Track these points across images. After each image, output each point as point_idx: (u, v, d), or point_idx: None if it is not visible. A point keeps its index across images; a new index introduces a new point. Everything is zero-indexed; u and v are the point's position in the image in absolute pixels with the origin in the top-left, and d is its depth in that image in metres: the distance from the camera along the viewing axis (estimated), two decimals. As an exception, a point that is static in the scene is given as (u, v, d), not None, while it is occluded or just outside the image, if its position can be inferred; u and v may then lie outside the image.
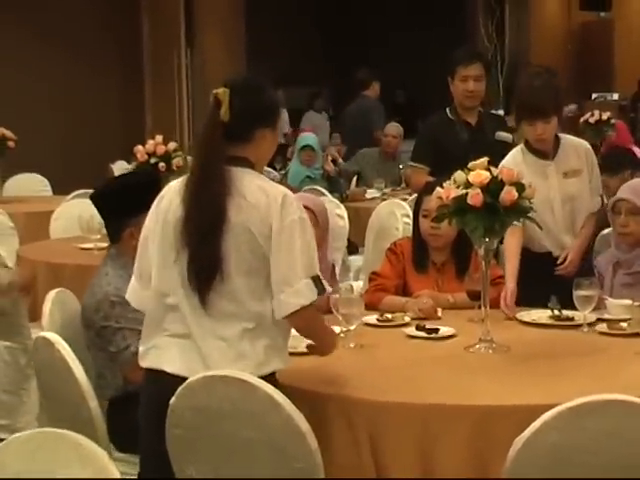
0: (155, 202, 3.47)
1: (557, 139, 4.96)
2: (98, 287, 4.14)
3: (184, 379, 3.17)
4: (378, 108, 11.76)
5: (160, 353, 3.36)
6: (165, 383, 3.26)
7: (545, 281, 4.72)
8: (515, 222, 4.35)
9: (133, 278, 3.51)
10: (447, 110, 6.18)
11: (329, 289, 3.36)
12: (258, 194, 3.29)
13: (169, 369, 3.29)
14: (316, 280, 3.28)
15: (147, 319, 3.44)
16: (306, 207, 4.73)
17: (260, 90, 3.52)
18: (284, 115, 14.45)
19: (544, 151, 4.96)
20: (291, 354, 3.66)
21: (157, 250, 3.39)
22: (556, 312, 4.39)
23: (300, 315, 3.27)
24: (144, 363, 3.41)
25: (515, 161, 4.88)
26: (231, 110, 3.33)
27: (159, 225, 3.39)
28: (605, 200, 5.17)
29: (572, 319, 4.34)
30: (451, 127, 6.12)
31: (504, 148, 5.31)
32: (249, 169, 3.37)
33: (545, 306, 4.43)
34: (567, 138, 5.07)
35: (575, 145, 5.04)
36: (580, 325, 4.26)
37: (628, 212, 4.69)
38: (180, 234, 3.29)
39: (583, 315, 4.24)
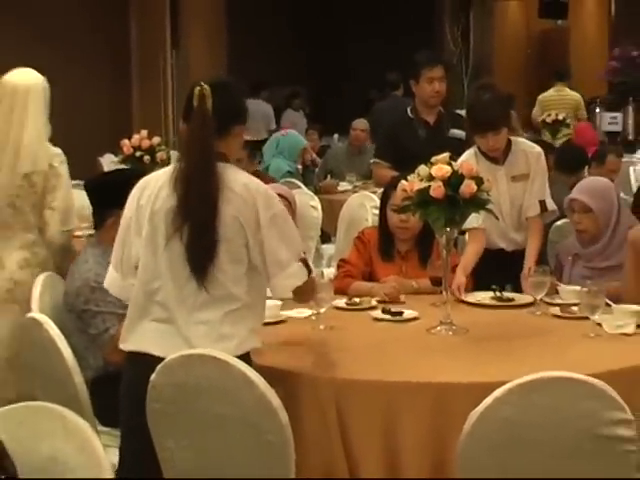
0: (134, 194, 3.44)
1: (509, 144, 4.98)
2: (78, 273, 4.14)
3: (163, 359, 3.17)
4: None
5: (144, 337, 3.35)
6: (149, 365, 3.25)
7: (499, 273, 4.77)
8: (476, 225, 4.45)
9: (111, 267, 3.49)
10: (408, 109, 6.21)
11: (314, 270, 3.44)
12: (243, 188, 3.32)
13: (155, 352, 3.28)
14: (304, 262, 3.39)
15: (131, 305, 3.42)
16: (282, 196, 4.78)
17: (235, 90, 3.56)
18: (271, 112, 14.44)
19: (495, 157, 4.98)
20: (266, 324, 3.72)
21: (145, 239, 3.37)
22: (497, 294, 4.51)
23: (294, 291, 3.44)
24: (128, 347, 3.39)
25: (469, 162, 4.80)
26: (212, 106, 3.34)
27: (145, 215, 3.36)
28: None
29: (512, 300, 4.48)
30: (410, 126, 6.16)
31: (458, 145, 5.31)
32: (228, 164, 3.38)
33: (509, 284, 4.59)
34: (519, 143, 5.08)
35: (526, 150, 5.03)
36: (527, 306, 4.36)
37: (581, 210, 4.70)
38: (172, 223, 3.29)
39: (524, 297, 4.44)
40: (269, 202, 3.36)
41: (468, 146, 5.10)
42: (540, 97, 13.25)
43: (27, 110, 4.75)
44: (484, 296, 4.53)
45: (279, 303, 4.06)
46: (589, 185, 4.91)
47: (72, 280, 4.16)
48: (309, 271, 3.43)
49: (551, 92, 13.18)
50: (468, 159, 4.85)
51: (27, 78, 4.83)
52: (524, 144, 5.11)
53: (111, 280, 3.51)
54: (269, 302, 3.90)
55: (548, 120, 12.12)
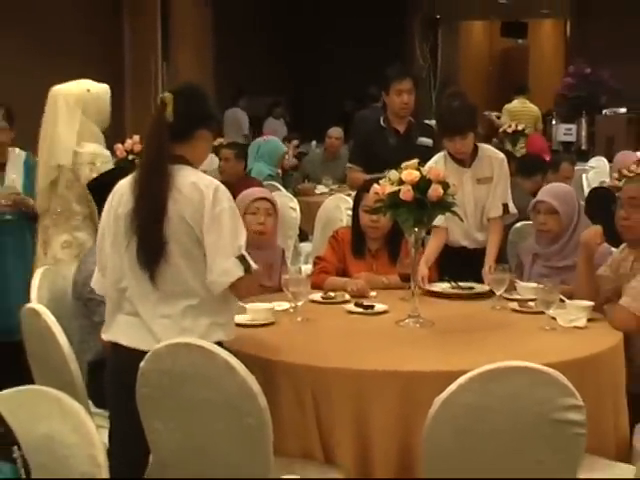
0: (109, 199, 3.43)
1: (476, 149, 5.02)
2: (84, 265, 4.13)
3: (137, 350, 3.17)
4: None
5: (118, 329, 3.37)
6: (121, 354, 3.30)
7: (462, 269, 4.81)
8: (439, 223, 4.47)
9: (96, 269, 3.50)
10: (381, 119, 6.20)
11: (254, 266, 3.30)
12: (191, 188, 3.26)
13: (124, 342, 3.31)
14: (242, 259, 3.25)
15: (107, 302, 3.44)
16: (268, 199, 4.80)
17: (200, 96, 3.50)
18: (245, 119, 14.46)
19: (462, 160, 5.02)
20: (248, 326, 3.75)
21: (110, 242, 3.37)
22: (453, 284, 4.63)
23: (232, 289, 3.28)
24: (106, 337, 3.42)
25: (437, 165, 4.86)
26: (175, 112, 3.31)
27: (112, 218, 3.36)
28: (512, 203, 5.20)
29: (472, 288, 4.60)
30: (382, 134, 6.14)
31: (426, 152, 5.32)
32: (186, 166, 3.33)
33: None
34: (485, 149, 5.12)
35: (491, 156, 5.08)
36: (486, 296, 4.45)
37: (546, 212, 4.72)
38: (130, 224, 3.27)
39: (481, 286, 4.58)
40: (217, 198, 3.25)
41: (436, 153, 5.14)
42: (507, 107, 13.30)
43: (59, 113, 5.17)
44: (444, 286, 4.62)
45: (271, 306, 4.04)
46: (555, 189, 4.93)
47: (80, 271, 4.16)
48: (247, 267, 3.27)
49: (515, 104, 13.25)
50: (437, 161, 4.96)
51: (67, 87, 5.29)
52: (489, 150, 5.15)
53: (95, 280, 3.52)
54: (261, 305, 3.99)
55: (509, 130, 12.16)
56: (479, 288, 4.58)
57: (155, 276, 3.26)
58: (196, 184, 3.27)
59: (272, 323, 3.94)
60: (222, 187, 3.32)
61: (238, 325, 3.64)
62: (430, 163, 4.89)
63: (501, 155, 5.16)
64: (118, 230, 3.33)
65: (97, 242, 3.49)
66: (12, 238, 5.68)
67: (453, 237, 5.03)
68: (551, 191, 4.87)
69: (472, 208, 5.03)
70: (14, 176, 5.69)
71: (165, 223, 3.23)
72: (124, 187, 3.37)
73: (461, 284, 4.62)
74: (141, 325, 3.31)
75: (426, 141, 6.01)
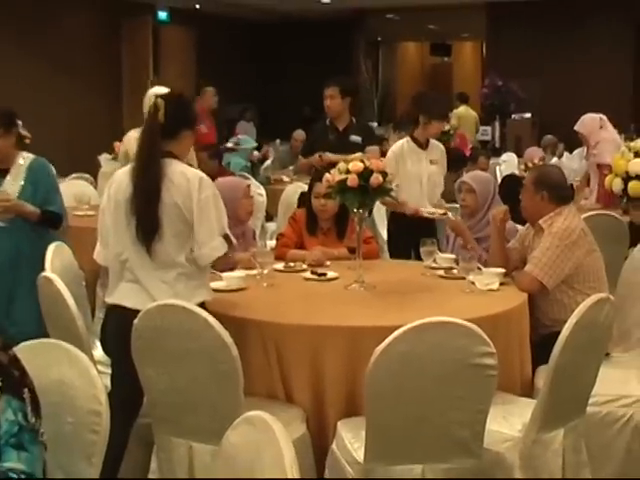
0: (108, 185, 3.44)
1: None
2: None
3: (139, 311, 3.14)
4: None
5: (121, 294, 3.36)
6: (125, 314, 3.27)
7: (412, 232, 5.09)
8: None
9: (98, 243, 3.47)
10: (327, 119, 6.21)
11: (234, 241, 3.38)
12: (181, 178, 3.26)
13: (128, 305, 3.29)
14: (226, 237, 3.32)
15: (110, 272, 3.43)
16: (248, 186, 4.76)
17: (186, 103, 3.52)
18: (253, 130, 14.30)
19: (423, 143, 5.59)
20: (223, 291, 3.71)
21: (113, 221, 3.35)
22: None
23: (215, 262, 3.36)
24: (110, 300, 3.41)
25: (402, 147, 5.62)
26: (165, 115, 3.30)
27: (112, 203, 3.35)
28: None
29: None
30: (325, 131, 6.18)
31: (356, 148, 5.46)
32: (174, 160, 3.32)
33: (416, 250, 4.56)
34: (433, 140, 5.73)
35: (439, 145, 5.78)
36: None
37: (467, 191, 4.74)
38: (130, 207, 3.27)
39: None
40: (202, 186, 3.26)
41: (363, 149, 5.51)
42: (455, 112, 13.33)
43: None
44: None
45: (242, 274, 3.98)
46: (475, 174, 5.05)
47: None
48: (229, 244, 3.34)
49: (461, 109, 13.31)
50: (402, 145, 5.67)
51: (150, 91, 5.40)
52: (436, 141, 5.78)
53: (97, 252, 3.49)
54: (234, 273, 3.95)
55: (437, 130, 12.15)
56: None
57: (151, 250, 3.27)
58: (184, 174, 3.27)
59: (243, 289, 3.92)
60: (205, 177, 3.33)
61: (216, 290, 3.64)
62: (394, 147, 5.65)
63: (442, 146, 5.81)
64: (119, 212, 3.31)
65: (98, 222, 3.46)
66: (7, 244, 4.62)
67: (410, 204, 5.42)
68: (471, 175, 4.95)
69: (425, 181, 5.56)
70: (9, 179, 4.63)
71: (160, 207, 3.23)
72: (122, 176, 3.36)
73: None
74: (141, 290, 3.30)
75: (356, 139, 6.08)
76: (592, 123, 6.94)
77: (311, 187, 4.80)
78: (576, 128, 6.97)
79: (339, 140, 6.04)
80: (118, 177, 3.40)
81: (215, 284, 3.71)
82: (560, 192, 4.11)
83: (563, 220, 4.00)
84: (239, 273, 4.01)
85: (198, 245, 3.26)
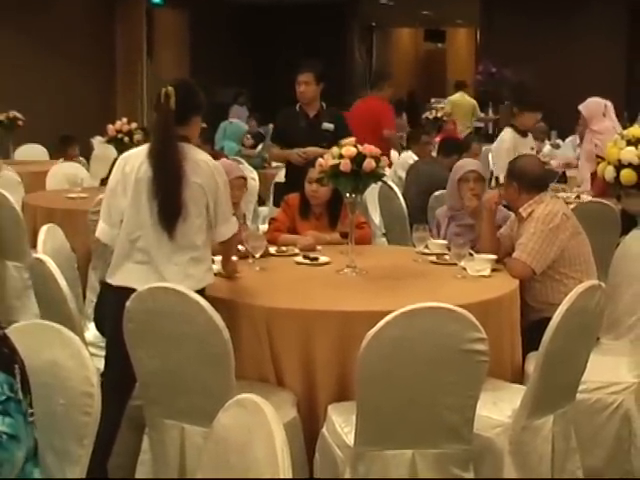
0: (119, 164, 3.45)
1: None
2: None
3: None
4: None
5: (128, 275, 3.34)
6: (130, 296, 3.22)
7: None
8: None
9: (101, 221, 3.46)
10: (297, 105, 5.98)
11: (252, 225, 3.52)
12: (205, 163, 3.38)
13: (137, 286, 3.22)
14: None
15: (117, 251, 3.40)
16: (243, 177, 4.77)
17: (195, 90, 3.55)
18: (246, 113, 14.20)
19: (524, 132, 6.20)
20: (218, 275, 3.67)
21: (131, 201, 3.35)
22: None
23: (227, 241, 3.51)
24: (114, 282, 3.38)
25: (512, 138, 6.12)
26: (176, 102, 3.35)
27: (129, 183, 3.36)
28: None
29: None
30: (295, 117, 5.94)
31: (329, 135, 5.47)
32: (190, 144, 3.40)
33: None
34: None
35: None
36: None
37: (475, 180, 4.59)
38: (151, 187, 3.30)
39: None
40: (221, 173, 3.44)
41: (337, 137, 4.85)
42: (450, 99, 13.27)
43: None
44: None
45: (235, 259, 3.92)
46: (474, 162, 4.94)
47: None
48: (236, 225, 3.55)
49: (457, 96, 13.24)
50: (508, 132, 6.16)
51: None
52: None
53: (100, 230, 3.48)
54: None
55: (430, 117, 12.14)
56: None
57: (172, 231, 3.31)
58: (207, 161, 3.41)
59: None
60: (219, 164, 3.51)
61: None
62: (506, 141, 6.13)
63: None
64: (138, 192, 3.33)
65: (105, 201, 3.46)
66: None
67: None
68: (473, 163, 4.85)
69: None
70: None
71: (185, 188, 3.30)
72: (140, 156, 3.38)
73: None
74: (153, 271, 3.32)
75: (329, 126, 5.86)
76: (596, 107, 6.90)
77: (305, 173, 4.79)
78: (580, 107, 6.94)
79: (311, 127, 5.87)
80: (134, 157, 3.41)
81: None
82: (531, 181, 4.12)
83: (545, 206, 4.04)
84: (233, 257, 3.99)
85: (217, 223, 3.41)
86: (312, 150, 5.52)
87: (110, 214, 3.43)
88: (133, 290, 3.22)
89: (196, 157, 3.37)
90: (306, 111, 5.96)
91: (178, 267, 3.31)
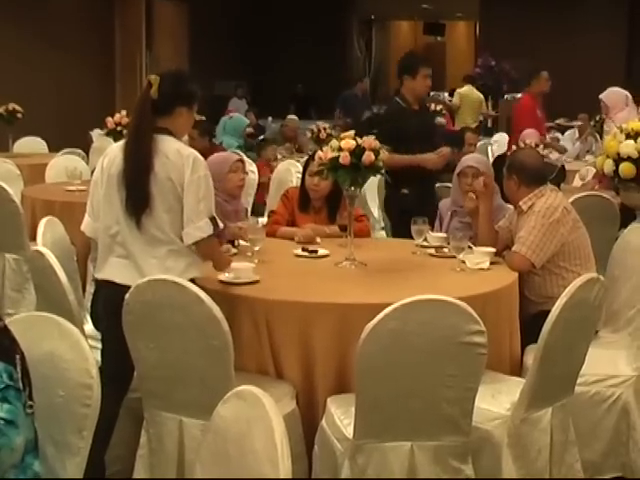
0: (100, 160, 3.43)
1: None
2: None
3: (128, 287, 3.13)
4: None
5: (111, 269, 3.33)
6: (115, 289, 3.25)
7: None
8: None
9: (86, 214, 3.46)
10: (397, 100, 5.55)
11: (221, 225, 3.34)
12: (176, 155, 3.25)
13: (118, 280, 3.26)
14: (213, 220, 3.27)
15: (100, 245, 3.40)
16: (242, 160, 4.74)
17: (182, 79, 3.44)
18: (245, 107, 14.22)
19: None
20: (233, 283, 3.54)
21: (104, 194, 3.34)
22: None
23: (200, 244, 3.26)
24: (100, 275, 3.38)
25: None
26: (159, 91, 3.27)
27: (105, 176, 3.34)
28: None
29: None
30: (404, 113, 5.47)
31: (441, 131, 5.47)
32: (169, 136, 3.30)
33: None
34: None
35: None
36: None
37: (474, 176, 4.53)
38: (121, 181, 3.26)
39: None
40: (195, 166, 3.24)
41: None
42: (459, 91, 13.25)
43: None
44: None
45: (253, 265, 3.72)
46: (473, 157, 4.86)
47: None
48: (216, 227, 3.27)
49: (465, 89, 13.22)
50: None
51: None
52: None
53: (85, 223, 3.49)
54: (244, 264, 3.67)
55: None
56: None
57: (141, 223, 3.24)
58: (179, 151, 3.26)
59: (256, 281, 3.89)
60: (200, 158, 3.31)
61: (225, 283, 3.54)
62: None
63: None
64: (110, 185, 3.31)
65: (89, 194, 3.46)
66: None
67: None
68: (473, 158, 4.79)
69: None
70: None
71: (152, 181, 3.21)
72: (115, 150, 3.36)
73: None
74: (132, 266, 3.28)
75: (441, 121, 5.67)
76: (618, 97, 6.88)
77: (306, 166, 4.79)
78: (601, 96, 6.91)
79: (421, 120, 5.51)
80: (112, 151, 3.39)
81: (223, 276, 3.58)
82: (530, 175, 4.11)
83: (545, 200, 4.04)
84: (249, 264, 3.72)
85: (184, 224, 3.24)
86: (447, 150, 5.31)
87: (93, 207, 3.44)
88: (117, 284, 3.24)
89: (169, 148, 3.24)
90: (412, 106, 5.54)
91: (156, 260, 3.26)
